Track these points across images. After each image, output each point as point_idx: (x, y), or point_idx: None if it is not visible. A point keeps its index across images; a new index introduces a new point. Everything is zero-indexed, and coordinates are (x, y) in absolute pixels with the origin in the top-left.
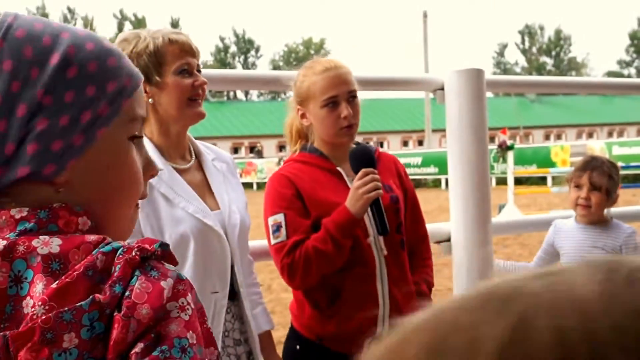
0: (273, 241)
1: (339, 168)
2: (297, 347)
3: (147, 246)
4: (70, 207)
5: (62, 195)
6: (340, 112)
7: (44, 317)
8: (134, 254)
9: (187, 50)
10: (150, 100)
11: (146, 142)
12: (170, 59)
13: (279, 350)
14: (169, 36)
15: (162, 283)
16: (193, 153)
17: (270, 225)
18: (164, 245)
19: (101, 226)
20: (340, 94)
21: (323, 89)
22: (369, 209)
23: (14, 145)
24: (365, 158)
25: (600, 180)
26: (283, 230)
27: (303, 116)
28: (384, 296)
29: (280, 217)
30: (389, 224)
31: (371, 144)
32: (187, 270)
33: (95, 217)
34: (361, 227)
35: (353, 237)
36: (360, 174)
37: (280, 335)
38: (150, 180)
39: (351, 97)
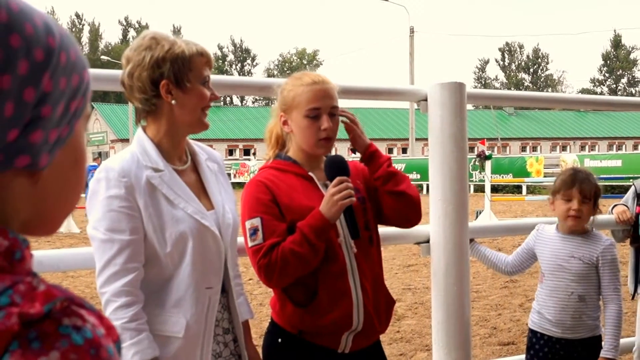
0: (250, 243)
1: (310, 173)
2: (279, 340)
3: (32, 310)
4: None
5: (37, 190)
6: (321, 124)
7: None
8: (13, 320)
9: (210, 65)
10: (173, 101)
11: (148, 143)
12: (198, 68)
13: (259, 342)
14: (200, 49)
15: None
16: (188, 154)
17: (248, 228)
18: (66, 300)
19: (41, 225)
20: (323, 107)
21: (308, 100)
22: (341, 214)
23: (18, 131)
24: (339, 167)
25: (590, 192)
26: (260, 234)
27: (285, 123)
28: (357, 290)
29: (257, 221)
30: (359, 225)
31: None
32: (185, 268)
33: (43, 215)
34: (333, 228)
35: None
36: (335, 181)
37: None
38: (153, 182)
39: (332, 112)
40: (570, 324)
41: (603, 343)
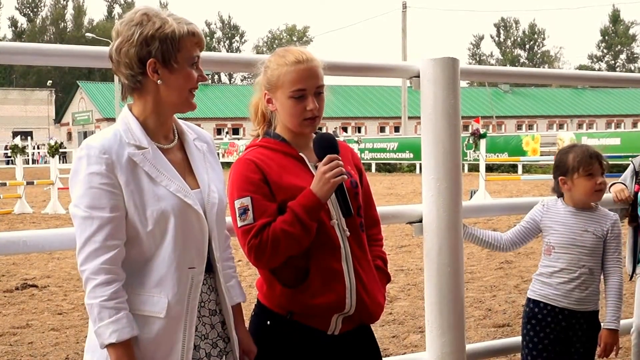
0: (240, 224)
1: (301, 154)
2: (268, 322)
3: None
4: None
5: None
6: (306, 105)
7: None
8: None
9: (201, 46)
10: (159, 81)
11: (132, 121)
12: (187, 49)
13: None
14: (192, 29)
15: None
16: (176, 132)
17: (237, 208)
18: None
19: None
20: (308, 88)
21: (293, 80)
22: (333, 193)
23: None
24: (329, 145)
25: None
26: (250, 213)
27: (269, 101)
28: (349, 273)
29: (247, 201)
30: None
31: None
32: (167, 247)
33: None
34: (324, 210)
35: (318, 219)
36: (325, 159)
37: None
38: (135, 159)
39: (318, 91)
40: (577, 296)
41: (605, 314)
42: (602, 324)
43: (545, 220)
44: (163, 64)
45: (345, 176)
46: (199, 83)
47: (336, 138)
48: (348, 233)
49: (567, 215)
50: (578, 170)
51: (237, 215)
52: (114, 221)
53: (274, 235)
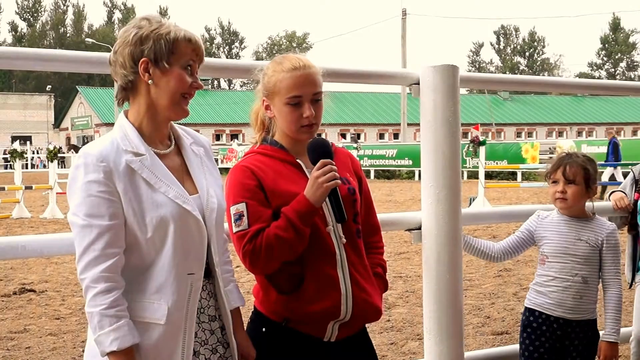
0: (235, 229)
1: (298, 160)
2: (263, 329)
3: None
4: None
5: None
6: (303, 112)
7: None
8: None
9: (198, 54)
10: (150, 81)
11: (129, 127)
12: (182, 53)
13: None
14: (189, 35)
15: None
16: (172, 137)
17: (233, 214)
18: None
19: None
20: (304, 95)
21: (289, 87)
22: (326, 198)
23: None
24: (322, 150)
25: (574, 174)
26: (245, 219)
27: (267, 108)
28: (345, 280)
29: (242, 207)
30: (346, 213)
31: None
32: (166, 253)
33: None
34: (320, 216)
35: (313, 225)
36: (319, 164)
37: None
38: (133, 166)
39: (315, 98)
40: (570, 304)
41: (604, 326)
42: (601, 336)
43: (539, 230)
44: (155, 64)
45: (338, 181)
46: (195, 90)
47: (356, 142)
48: (344, 240)
49: (560, 224)
50: (548, 176)
51: (233, 221)
52: (112, 229)
53: (268, 241)
